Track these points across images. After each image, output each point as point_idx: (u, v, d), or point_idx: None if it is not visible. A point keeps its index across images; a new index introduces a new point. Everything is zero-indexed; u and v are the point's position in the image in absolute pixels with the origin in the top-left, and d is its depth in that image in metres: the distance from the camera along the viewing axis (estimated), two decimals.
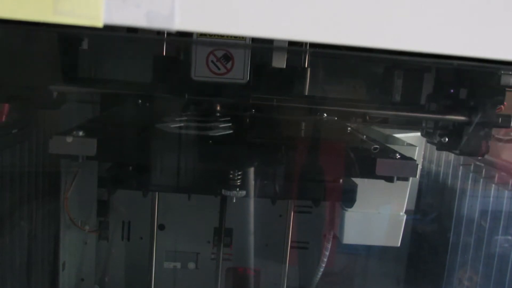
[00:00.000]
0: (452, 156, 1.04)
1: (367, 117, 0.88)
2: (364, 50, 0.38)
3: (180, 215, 0.98)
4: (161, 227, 0.98)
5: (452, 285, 1.00)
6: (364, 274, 1.06)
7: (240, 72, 0.73)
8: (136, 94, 0.80)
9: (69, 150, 0.63)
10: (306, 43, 0.61)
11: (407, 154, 0.71)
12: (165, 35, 0.77)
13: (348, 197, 0.80)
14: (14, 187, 0.83)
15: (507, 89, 0.71)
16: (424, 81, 0.81)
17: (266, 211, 0.94)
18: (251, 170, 0.70)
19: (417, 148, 0.83)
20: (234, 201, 0.70)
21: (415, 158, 0.79)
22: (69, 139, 0.62)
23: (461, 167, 1.01)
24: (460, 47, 0.38)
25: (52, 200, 0.93)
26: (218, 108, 0.78)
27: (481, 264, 0.93)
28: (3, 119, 0.80)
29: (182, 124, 0.75)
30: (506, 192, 0.91)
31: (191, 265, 1.01)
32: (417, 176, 0.79)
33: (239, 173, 0.68)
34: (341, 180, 0.77)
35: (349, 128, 0.85)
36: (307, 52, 0.81)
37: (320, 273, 0.90)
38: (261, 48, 0.75)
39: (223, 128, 0.74)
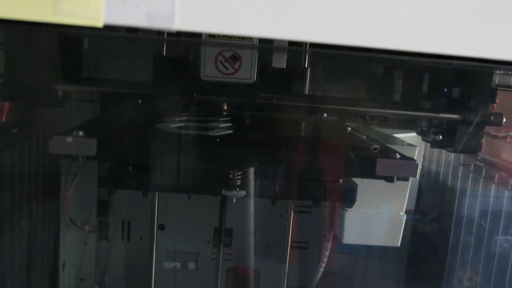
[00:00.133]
0: (452, 156, 1.04)
1: (367, 117, 0.88)
2: (364, 50, 0.38)
3: (180, 215, 0.98)
4: (161, 227, 0.98)
5: (452, 285, 1.00)
6: (364, 274, 1.06)
7: (247, 72, 0.74)
8: (142, 94, 0.80)
9: (69, 150, 0.63)
10: (306, 43, 0.61)
11: (407, 154, 0.71)
12: (165, 35, 0.77)
13: (348, 197, 0.80)
14: (14, 187, 0.83)
15: (499, 88, 0.73)
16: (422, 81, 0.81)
17: (266, 211, 0.94)
18: (251, 170, 0.69)
19: (417, 148, 0.83)
20: (234, 201, 0.70)
21: (415, 158, 0.80)
22: (69, 139, 0.62)
23: (461, 167, 1.01)
24: (459, 47, 0.38)
25: (52, 200, 0.93)
26: (223, 107, 0.78)
27: (481, 264, 0.93)
28: (3, 119, 0.80)
29: (182, 124, 0.75)
30: (506, 192, 0.91)
31: (191, 265, 1.01)
32: (417, 176, 0.79)
33: (239, 173, 0.68)
34: (341, 180, 0.77)
35: (349, 128, 0.85)
36: (307, 52, 0.81)
37: (320, 273, 0.90)
38: (268, 48, 0.75)
39: (223, 128, 0.74)
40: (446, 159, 1.06)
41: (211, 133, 0.72)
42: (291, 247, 0.94)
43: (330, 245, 0.88)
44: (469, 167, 0.99)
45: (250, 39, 0.69)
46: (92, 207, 0.94)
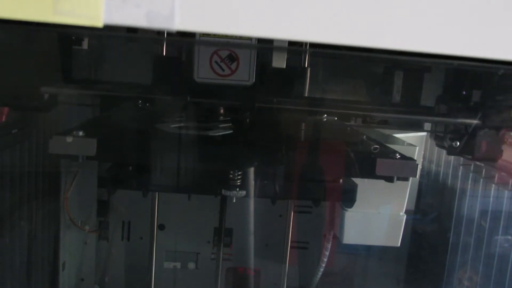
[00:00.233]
0: (452, 156, 1.04)
1: (367, 119, 0.88)
2: (364, 50, 0.38)
3: (180, 215, 0.98)
4: (161, 227, 0.98)
5: (452, 285, 1.00)
6: (364, 274, 1.06)
7: (245, 73, 0.70)
8: (136, 97, 0.79)
9: (69, 150, 0.63)
10: (306, 43, 0.61)
11: (407, 154, 0.71)
12: (165, 35, 0.77)
13: (348, 197, 0.80)
14: (14, 187, 0.83)
15: None
16: (433, 83, 0.77)
17: (266, 211, 0.94)
18: (251, 170, 0.69)
19: (417, 148, 0.83)
20: (234, 201, 0.70)
21: (415, 158, 0.79)
22: (69, 139, 0.62)
23: (461, 167, 1.01)
24: (460, 47, 0.38)
25: (52, 200, 0.93)
26: (219, 111, 0.77)
27: (481, 264, 0.93)
28: (3, 119, 0.80)
29: (182, 124, 0.75)
30: (506, 192, 0.91)
31: (191, 265, 1.01)
32: (417, 176, 0.79)
33: (239, 173, 0.68)
34: (341, 180, 0.77)
35: (349, 128, 0.85)
36: (307, 52, 0.81)
37: (320, 273, 0.90)
38: (266, 48, 0.73)
39: (223, 128, 0.74)
40: (446, 159, 1.06)
41: (211, 133, 0.72)
42: (291, 247, 0.94)
43: (330, 245, 0.88)
44: (469, 167, 0.99)
45: (249, 38, 0.65)
46: (92, 207, 0.94)
